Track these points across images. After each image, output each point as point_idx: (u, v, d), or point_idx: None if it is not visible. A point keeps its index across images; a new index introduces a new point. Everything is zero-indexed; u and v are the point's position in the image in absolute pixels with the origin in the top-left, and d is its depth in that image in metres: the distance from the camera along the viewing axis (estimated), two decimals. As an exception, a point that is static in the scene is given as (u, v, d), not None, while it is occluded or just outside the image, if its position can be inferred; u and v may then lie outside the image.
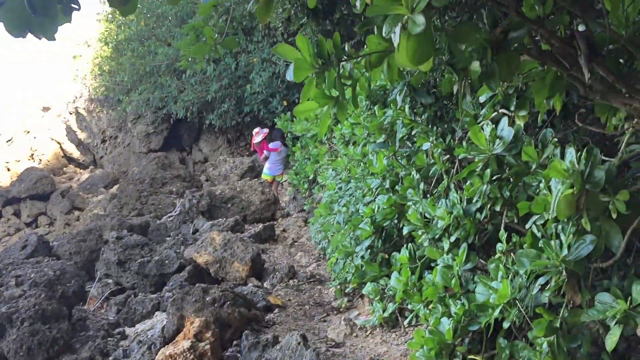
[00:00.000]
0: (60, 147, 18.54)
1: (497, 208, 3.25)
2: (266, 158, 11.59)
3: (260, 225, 7.93)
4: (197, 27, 4.16)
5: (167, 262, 6.09)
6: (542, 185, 2.68)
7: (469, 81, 2.14)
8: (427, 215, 3.86)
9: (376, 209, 4.81)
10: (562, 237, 2.48)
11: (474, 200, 3.42)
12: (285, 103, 11.98)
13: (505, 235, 3.08)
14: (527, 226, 2.76)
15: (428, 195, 4.16)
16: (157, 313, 5.31)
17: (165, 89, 13.33)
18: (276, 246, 7.39)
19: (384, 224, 4.80)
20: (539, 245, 2.56)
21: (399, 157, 4.79)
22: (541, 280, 2.58)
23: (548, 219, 2.58)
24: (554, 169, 2.40)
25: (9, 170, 17.22)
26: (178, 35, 12.57)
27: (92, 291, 6.13)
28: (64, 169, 18.24)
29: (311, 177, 8.85)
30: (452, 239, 3.55)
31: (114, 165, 16.49)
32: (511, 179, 3.20)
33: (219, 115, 13.11)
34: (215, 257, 5.78)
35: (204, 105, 13.20)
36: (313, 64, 2.15)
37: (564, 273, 2.46)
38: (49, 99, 20.85)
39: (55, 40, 2.99)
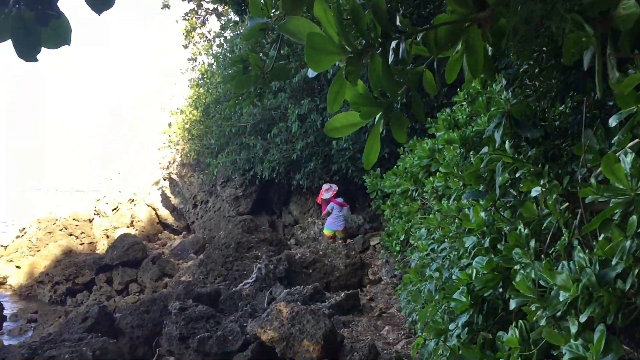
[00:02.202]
0: (156, 213, 18.78)
1: (651, 273, 2.19)
2: (329, 213, 11.73)
3: (343, 294, 6.99)
4: (245, 57, 3.50)
5: (230, 338, 5.27)
6: None
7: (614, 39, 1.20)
8: (542, 283, 2.83)
9: (474, 275, 3.79)
10: None
11: (613, 263, 2.36)
12: (374, 159, 11.15)
13: (669, 315, 2.02)
14: None
15: (542, 257, 3.12)
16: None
17: (252, 150, 13.00)
18: (360, 318, 6.41)
19: (485, 294, 3.74)
20: None
21: (500, 209, 3.81)
22: None
23: None
24: None
25: (107, 237, 17.53)
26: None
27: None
28: (159, 235, 18.36)
29: (403, 237, 7.94)
30: (583, 318, 2.47)
31: (205, 230, 16.29)
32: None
33: (307, 174, 12.51)
34: (282, 333, 4.89)
35: (290, 165, 12.69)
36: (343, 43, 1.31)
37: None
38: (149, 166, 21.46)
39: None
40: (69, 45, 2.34)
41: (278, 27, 1.43)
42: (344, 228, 11.81)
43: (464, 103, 5.43)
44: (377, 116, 1.50)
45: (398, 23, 1.44)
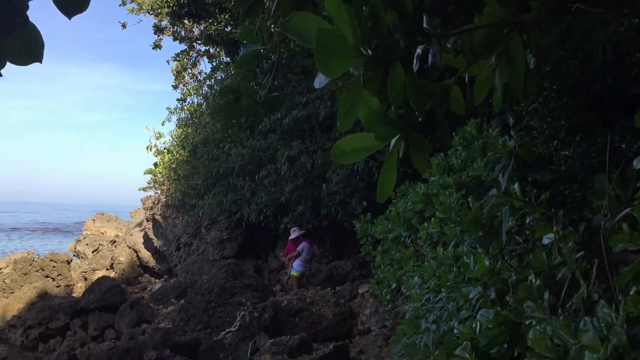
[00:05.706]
0: (137, 255, 18.25)
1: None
2: (299, 254, 11.76)
3: (331, 346, 6.59)
4: (236, 87, 3.25)
5: (209, 393, 4.87)
6: None
7: None
8: (559, 341, 2.53)
9: (478, 328, 3.47)
10: None
11: (648, 321, 2.08)
12: (364, 203, 10.89)
13: None
14: None
15: (558, 311, 2.83)
16: None
17: (239, 192, 12.70)
18: (350, 372, 6.01)
19: (491, 351, 3.41)
20: None
21: (506, 257, 3.54)
22: None
23: None
24: None
25: (85, 279, 16.95)
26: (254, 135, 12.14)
27: None
28: (139, 278, 17.79)
29: (394, 286, 7.62)
30: (614, 385, 2.17)
31: (187, 274, 15.79)
32: None
33: (295, 218, 12.21)
34: (266, 390, 4.52)
35: (278, 208, 12.39)
36: (359, 45, 1.04)
37: None
38: (132, 207, 21.07)
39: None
40: (41, 62, 2.04)
41: (280, 25, 1.16)
42: (307, 271, 12.11)
43: (459, 147, 5.24)
44: (394, 140, 1.23)
45: (426, 25, 1.18)
